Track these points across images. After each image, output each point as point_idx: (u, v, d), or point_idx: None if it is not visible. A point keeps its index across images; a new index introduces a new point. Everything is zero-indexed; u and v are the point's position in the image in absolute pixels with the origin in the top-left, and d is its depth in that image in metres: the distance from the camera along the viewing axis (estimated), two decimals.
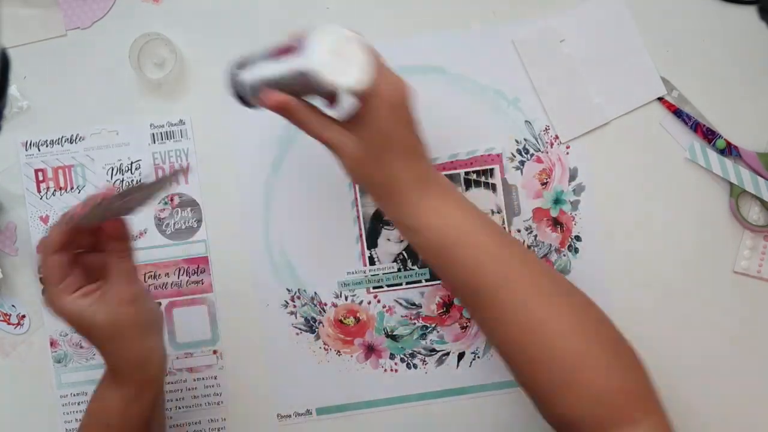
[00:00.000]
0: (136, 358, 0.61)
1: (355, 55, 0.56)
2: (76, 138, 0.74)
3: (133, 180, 0.74)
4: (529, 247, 0.74)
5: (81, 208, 0.58)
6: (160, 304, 0.74)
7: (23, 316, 0.74)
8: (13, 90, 0.73)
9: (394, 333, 0.74)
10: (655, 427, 0.59)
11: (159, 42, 0.73)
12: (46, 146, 0.74)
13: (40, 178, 0.74)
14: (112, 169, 0.74)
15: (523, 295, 0.60)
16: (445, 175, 0.74)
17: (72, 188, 0.74)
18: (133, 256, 0.61)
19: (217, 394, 0.74)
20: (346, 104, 0.60)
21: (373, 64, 0.56)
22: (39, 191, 0.74)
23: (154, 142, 0.74)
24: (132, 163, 0.74)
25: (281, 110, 0.59)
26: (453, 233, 0.60)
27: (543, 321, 0.59)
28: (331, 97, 0.61)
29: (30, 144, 0.73)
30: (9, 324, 0.73)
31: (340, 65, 0.55)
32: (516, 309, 0.59)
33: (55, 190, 0.74)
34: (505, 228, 0.62)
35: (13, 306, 0.74)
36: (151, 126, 0.74)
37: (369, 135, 0.59)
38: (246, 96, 0.61)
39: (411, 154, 0.60)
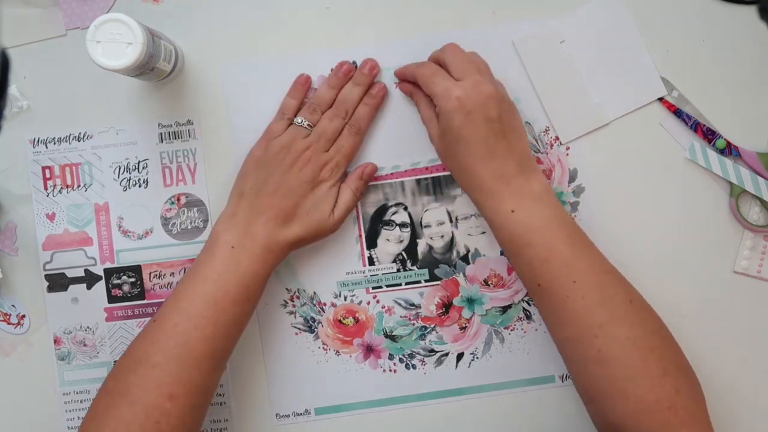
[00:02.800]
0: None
1: None
2: (84, 136, 0.74)
3: (139, 179, 0.74)
4: None
5: None
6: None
7: (23, 316, 0.74)
8: (13, 90, 0.73)
9: (393, 333, 0.74)
10: None
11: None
12: (54, 143, 0.74)
13: (47, 176, 0.74)
14: (119, 168, 0.74)
15: (586, 299, 0.61)
16: (445, 175, 0.74)
17: (79, 186, 0.74)
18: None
19: (220, 395, 0.74)
20: None
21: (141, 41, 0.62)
22: (46, 188, 0.74)
23: (162, 142, 0.74)
24: (139, 162, 0.74)
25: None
26: (524, 233, 0.63)
27: (602, 325, 0.61)
28: None
29: (38, 141, 0.74)
30: (9, 324, 0.74)
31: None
32: (578, 311, 0.61)
33: (62, 188, 0.74)
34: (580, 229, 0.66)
35: (13, 306, 0.74)
36: (159, 125, 0.74)
37: (445, 134, 0.65)
38: None
39: (491, 154, 0.64)
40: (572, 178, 0.74)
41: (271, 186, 0.67)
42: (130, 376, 0.62)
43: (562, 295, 0.62)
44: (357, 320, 0.74)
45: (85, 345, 0.74)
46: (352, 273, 0.74)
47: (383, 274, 0.74)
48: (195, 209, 0.74)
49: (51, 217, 0.74)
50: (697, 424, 0.61)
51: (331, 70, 0.72)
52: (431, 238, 0.74)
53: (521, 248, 0.63)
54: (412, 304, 0.74)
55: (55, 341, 0.74)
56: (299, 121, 0.70)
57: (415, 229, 0.74)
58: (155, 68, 0.67)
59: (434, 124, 0.67)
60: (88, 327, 0.74)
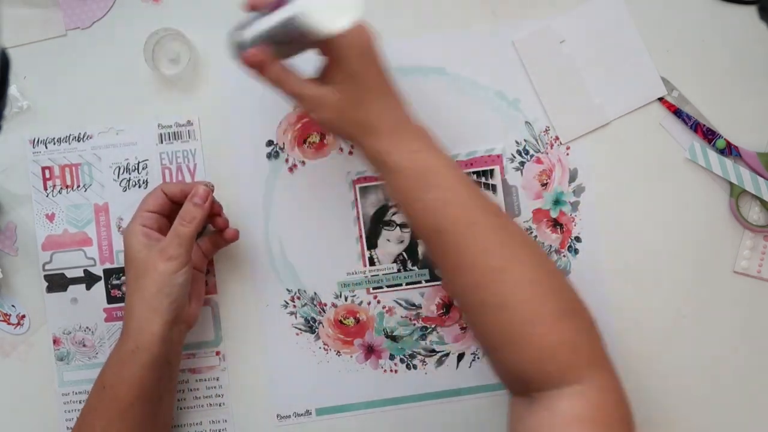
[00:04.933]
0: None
1: None
2: (83, 136, 0.74)
3: (139, 179, 0.74)
4: None
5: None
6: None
7: (23, 316, 0.74)
8: (13, 90, 0.73)
9: (393, 333, 0.74)
10: (603, 385, 0.59)
11: (170, 38, 0.73)
12: (54, 144, 0.74)
13: (47, 176, 0.74)
14: (119, 168, 0.74)
15: (485, 242, 0.60)
16: None
17: (78, 186, 0.74)
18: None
19: (219, 395, 0.74)
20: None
21: (361, 4, 0.58)
22: (45, 189, 0.74)
23: (162, 143, 0.74)
24: (139, 162, 0.74)
25: (257, 66, 0.61)
26: (425, 175, 0.61)
27: (502, 269, 0.60)
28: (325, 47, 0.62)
29: (37, 141, 0.74)
30: (9, 324, 0.74)
31: (327, 8, 0.56)
32: (477, 254, 0.60)
33: (61, 188, 0.74)
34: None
35: (13, 306, 0.74)
36: (158, 126, 0.74)
37: (345, 82, 0.61)
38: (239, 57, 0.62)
39: (387, 97, 0.63)
40: (572, 177, 0.74)
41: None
42: None
43: (461, 238, 0.60)
44: (358, 320, 0.74)
45: (84, 345, 0.74)
46: (353, 273, 0.74)
47: (384, 274, 0.74)
48: None
49: (51, 217, 0.74)
50: (600, 363, 0.60)
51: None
52: None
53: (423, 190, 0.61)
54: (413, 305, 0.74)
55: (55, 341, 0.74)
56: None
57: None
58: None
59: (315, 85, 0.62)
60: (87, 327, 0.74)
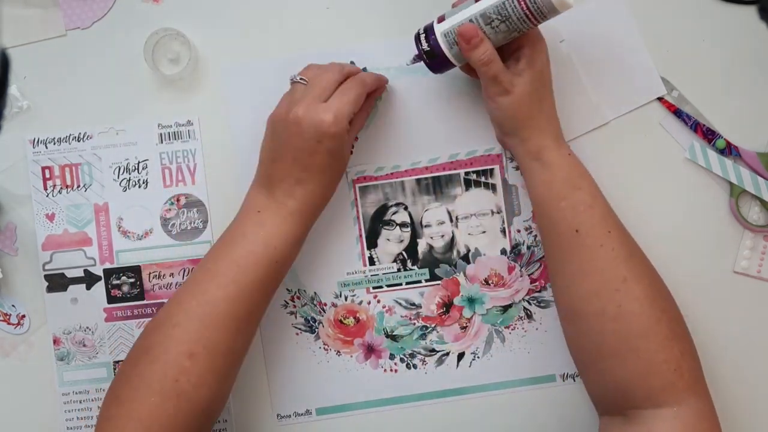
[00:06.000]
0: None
1: None
2: (83, 136, 0.74)
3: (139, 179, 0.74)
4: (528, 247, 0.74)
5: None
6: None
7: (23, 316, 0.74)
8: (13, 90, 0.73)
9: (393, 333, 0.74)
10: (700, 411, 0.61)
11: (170, 38, 0.73)
12: (54, 144, 0.74)
13: (47, 176, 0.74)
14: (119, 169, 0.74)
15: (617, 251, 0.64)
16: (445, 175, 0.74)
17: (78, 186, 0.74)
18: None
19: None
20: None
21: None
22: (45, 189, 0.74)
23: (162, 142, 0.74)
24: (139, 162, 0.74)
25: (471, 40, 0.63)
26: (576, 176, 0.66)
27: (627, 280, 0.62)
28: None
29: (38, 141, 0.74)
30: (9, 324, 0.74)
31: None
32: (608, 260, 0.63)
33: (61, 188, 0.74)
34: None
35: (13, 306, 0.74)
36: (158, 126, 0.74)
37: (534, 77, 0.66)
38: (438, 49, 0.66)
39: (553, 101, 0.69)
40: None
41: (281, 152, 0.65)
42: (153, 335, 0.63)
43: (596, 243, 0.64)
44: (358, 320, 0.74)
45: (84, 345, 0.74)
46: (353, 273, 0.74)
47: (384, 273, 0.74)
48: (194, 210, 0.74)
49: (51, 217, 0.74)
50: (699, 388, 0.62)
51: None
52: (431, 237, 0.74)
53: (571, 191, 0.65)
54: (413, 304, 0.74)
55: (55, 341, 0.74)
56: (295, 77, 0.67)
57: (415, 228, 0.74)
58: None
59: (511, 73, 0.66)
60: (87, 327, 0.74)
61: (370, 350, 0.74)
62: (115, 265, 0.74)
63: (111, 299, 0.74)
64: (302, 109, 0.63)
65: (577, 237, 0.64)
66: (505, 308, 0.74)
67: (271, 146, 0.66)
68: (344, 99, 0.64)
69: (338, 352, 0.74)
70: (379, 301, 0.74)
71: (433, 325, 0.74)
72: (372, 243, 0.74)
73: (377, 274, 0.74)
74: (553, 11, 0.63)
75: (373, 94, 0.71)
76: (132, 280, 0.74)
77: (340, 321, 0.74)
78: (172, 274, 0.74)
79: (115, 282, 0.74)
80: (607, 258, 0.63)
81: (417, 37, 0.67)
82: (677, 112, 0.73)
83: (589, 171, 0.68)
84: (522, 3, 0.62)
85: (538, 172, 0.67)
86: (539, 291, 0.74)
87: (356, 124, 0.69)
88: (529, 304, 0.74)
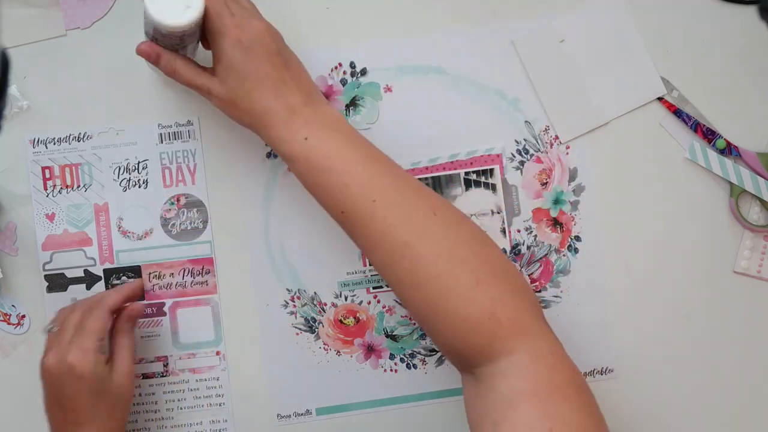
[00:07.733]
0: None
1: None
2: (83, 136, 0.74)
3: (139, 179, 0.74)
4: (528, 247, 0.74)
5: None
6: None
7: (23, 316, 0.74)
8: (13, 90, 0.73)
9: (393, 333, 0.74)
10: (534, 353, 0.57)
11: None
12: (54, 144, 0.74)
13: (47, 176, 0.74)
14: (119, 169, 0.74)
15: (388, 218, 0.60)
16: (445, 175, 0.74)
17: (78, 186, 0.74)
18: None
19: (219, 395, 0.74)
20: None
21: (201, 3, 0.61)
22: (45, 189, 0.74)
23: (162, 142, 0.74)
24: (139, 162, 0.74)
25: (149, 57, 0.65)
26: (318, 161, 0.62)
27: (408, 244, 0.59)
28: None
29: (38, 141, 0.74)
30: (9, 324, 0.73)
31: (170, 5, 0.60)
32: (383, 232, 0.60)
33: (61, 188, 0.74)
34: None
35: (13, 306, 0.74)
36: (158, 126, 0.74)
37: (226, 74, 0.63)
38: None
39: (278, 87, 0.63)
40: (572, 177, 0.74)
41: (49, 402, 0.67)
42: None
43: (365, 218, 0.61)
44: (358, 320, 0.74)
45: None
46: (353, 273, 0.74)
47: None
48: (195, 210, 0.74)
49: (51, 217, 0.74)
50: (527, 329, 0.58)
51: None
52: None
53: (319, 176, 0.62)
54: None
55: None
56: (49, 327, 0.69)
57: None
58: (188, 48, 0.67)
59: (206, 76, 0.65)
60: None
61: (370, 350, 0.74)
62: (115, 265, 0.74)
63: None
64: (51, 358, 0.65)
65: (346, 217, 0.62)
66: None
67: (44, 396, 0.67)
68: (84, 334, 0.65)
69: (338, 352, 0.74)
70: (379, 301, 0.74)
71: None
72: None
73: (377, 274, 0.74)
74: (167, 29, 0.61)
75: (131, 313, 0.69)
76: (132, 280, 0.74)
77: (340, 321, 0.74)
78: (172, 274, 0.74)
79: (115, 282, 0.74)
80: (380, 228, 0.60)
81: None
82: (677, 112, 0.73)
83: (344, 142, 0.63)
84: (148, 30, 0.64)
85: (289, 166, 0.64)
86: (539, 291, 0.74)
87: (122, 344, 0.68)
88: None
